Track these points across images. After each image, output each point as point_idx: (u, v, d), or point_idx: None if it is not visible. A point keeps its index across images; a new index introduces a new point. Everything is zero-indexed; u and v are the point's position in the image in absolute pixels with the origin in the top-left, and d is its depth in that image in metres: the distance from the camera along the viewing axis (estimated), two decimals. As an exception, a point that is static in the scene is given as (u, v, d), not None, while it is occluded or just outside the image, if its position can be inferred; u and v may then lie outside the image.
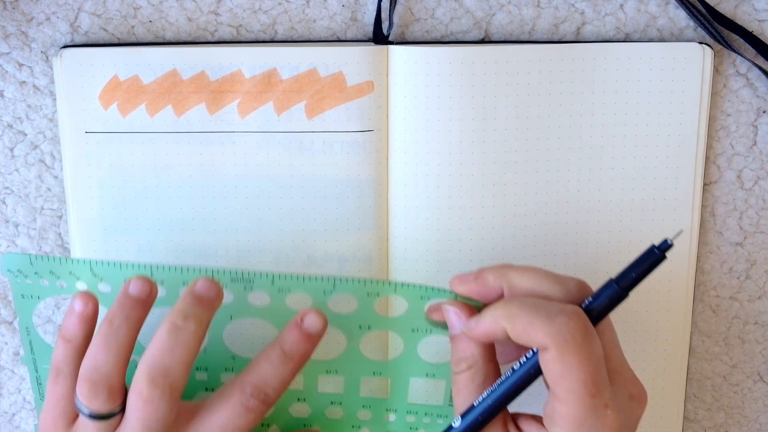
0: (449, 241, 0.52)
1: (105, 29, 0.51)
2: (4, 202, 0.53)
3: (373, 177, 0.52)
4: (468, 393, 0.44)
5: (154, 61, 0.50)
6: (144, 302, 0.46)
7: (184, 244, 0.52)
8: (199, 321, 0.45)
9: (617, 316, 0.55)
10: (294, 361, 0.46)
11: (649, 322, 0.55)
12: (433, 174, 0.51)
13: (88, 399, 0.44)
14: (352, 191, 0.52)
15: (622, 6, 0.51)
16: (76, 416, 0.46)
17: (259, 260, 0.52)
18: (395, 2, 0.50)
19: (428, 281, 0.52)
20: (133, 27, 0.51)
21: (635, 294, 0.55)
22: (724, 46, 0.51)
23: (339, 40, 0.52)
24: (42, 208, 0.53)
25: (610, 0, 0.51)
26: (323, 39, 0.52)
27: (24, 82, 0.52)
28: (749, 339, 0.56)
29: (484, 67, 0.50)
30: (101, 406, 0.44)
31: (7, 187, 0.53)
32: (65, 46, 0.50)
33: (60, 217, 0.53)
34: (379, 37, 0.51)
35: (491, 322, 0.43)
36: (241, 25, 0.51)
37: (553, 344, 0.40)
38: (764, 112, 0.53)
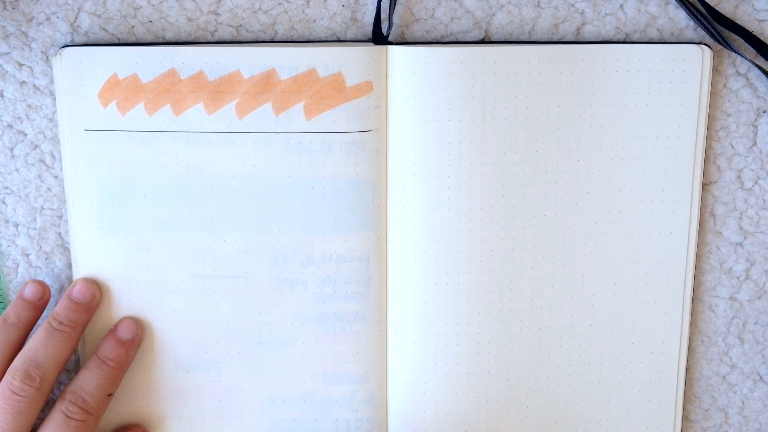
0: (447, 242, 0.52)
1: (105, 29, 0.51)
2: (4, 202, 0.53)
3: (372, 177, 0.52)
4: None
5: (152, 60, 0.50)
6: (36, 306, 0.51)
7: (182, 243, 0.52)
8: (74, 324, 0.50)
9: (617, 316, 0.55)
10: (109, 366, 0.50)
11: (648, 322, 0.55)
12: (432, 174, 0.51)
13: None
14: (350, 192, 0.52)
15: (622, 6, 0.51)
16: None
17: (257, 260, 0.52)
18: (395, 2, 0.50)
19: (426, 281, 0.53)
20: (133, 27, 0.51)
21: (635, 294, 0.55)
22: (724, 46, 0.51)
23: (339, 40, 0.52)
24: (42, 208, 0.53)
25: (610, 0, 0.51)
26: (323, 39, 0.52)
27: (24, 82, 0.52)
28: (749, 339, 0.56)
29: (484, 67, 0.50)
30: None
31: (7, 187, 0.53)
32: (65, 46, 0.50)
33: (60, 217, 0.53)
34: (379, 37, 0.50)
35: None
36: (241, 25, 0.51)
37: None
38: (764, 112, 0.53)
